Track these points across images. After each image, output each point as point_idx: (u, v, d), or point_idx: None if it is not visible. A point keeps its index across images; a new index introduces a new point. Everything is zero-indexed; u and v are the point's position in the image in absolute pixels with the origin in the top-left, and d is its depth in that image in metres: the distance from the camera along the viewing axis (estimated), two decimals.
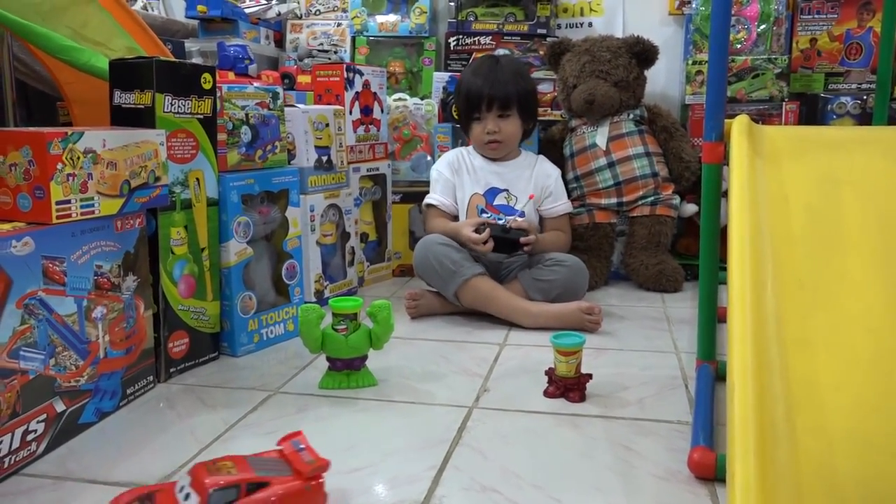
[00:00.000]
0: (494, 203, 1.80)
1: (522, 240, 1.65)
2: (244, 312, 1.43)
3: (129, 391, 1.19)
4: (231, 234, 1.40)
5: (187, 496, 0.79)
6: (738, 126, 1.11)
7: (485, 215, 1.76)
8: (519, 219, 1.71)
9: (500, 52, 2.32)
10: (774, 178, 1.02)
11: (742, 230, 0.92)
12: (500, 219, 1.73)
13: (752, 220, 0.94)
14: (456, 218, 1.81)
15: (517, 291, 1.64)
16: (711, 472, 0.92)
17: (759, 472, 0.67)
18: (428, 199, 1.83)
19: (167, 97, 1.25)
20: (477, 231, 1.65)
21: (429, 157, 2.16)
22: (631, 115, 2.03)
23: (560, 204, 1.84)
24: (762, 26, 2.14)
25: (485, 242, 1.63)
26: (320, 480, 0.84)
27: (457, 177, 1.83)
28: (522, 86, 1.79)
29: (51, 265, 1.01)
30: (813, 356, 0.80)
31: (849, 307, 0.84)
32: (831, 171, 1.02)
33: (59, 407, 1.04)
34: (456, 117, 1.94)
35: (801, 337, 0.81)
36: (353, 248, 1.91)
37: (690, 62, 2.16)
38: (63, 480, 0.95)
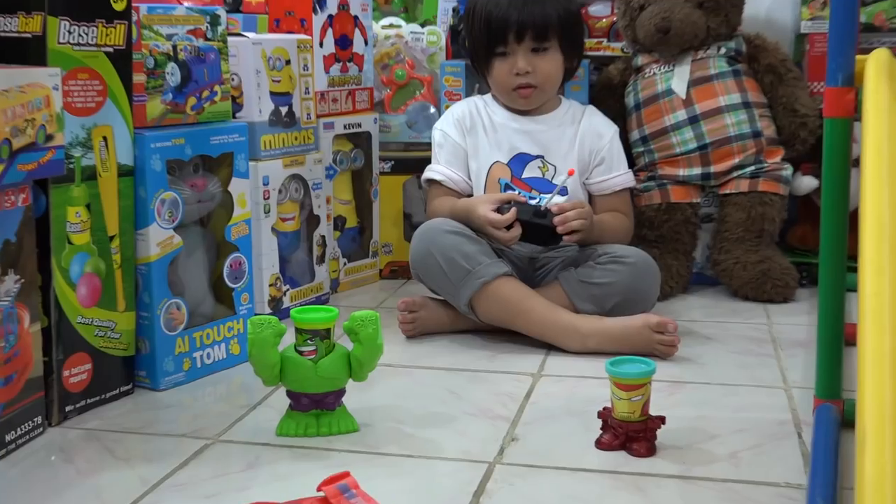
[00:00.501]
0: (524, 176, 1.81)
1: (560, 229, 1.63)
2: (170, 328, 1.44)
3: (8, 438, 1.20)
4: (152, 217, 1.41)
5: None
6: (876, 64, 1.11)
7: (511, 192, 1.77)
8: (560, 198, 1.72)
9: None
10: None
11: (881, 214, 0.92)
12: (533, 197, 1.74)
13: (893, 198, 0.94)
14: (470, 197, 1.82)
15: (558, 299, 1.66)
16: None
17: None
18: (428, 173, 1.85)
19: (63, 22, 1.26)
20: (499, 211, 1.66)
21: (432, 109, 2.18)
22: (723, 50, 2.03)
23: (618, 175, 1.85)
24: None
25: (510, 227, 1.64)
26: None
27: (469, 139, 1.84)
28: (564, 6, 1.80)
29: None
30: None
31: None
32: None
33: None
34: (469, 52, 1.94)
35: None
36: (323, 237, 1.92)
37: None
38: None
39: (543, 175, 1.81)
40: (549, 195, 1.72)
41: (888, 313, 0.84)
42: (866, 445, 0.75)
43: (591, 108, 1.92)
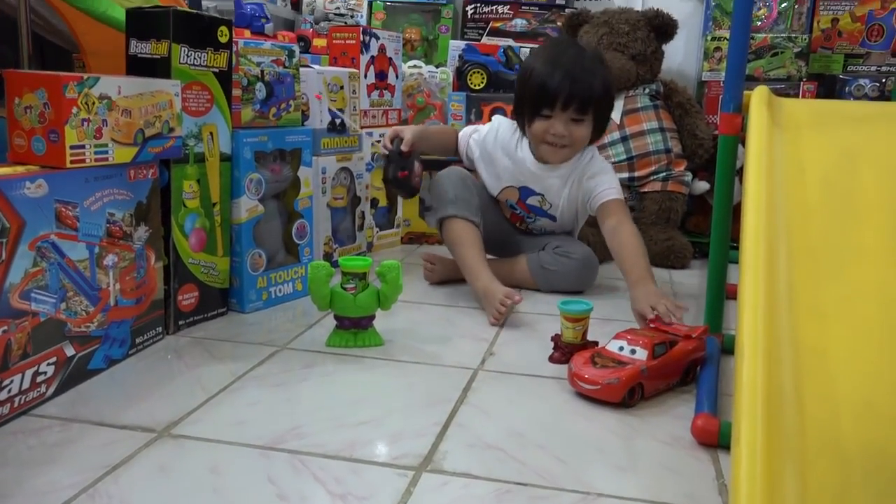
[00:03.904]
0: (527, 202, 1.66)
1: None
2: (254, 269, 1.43)
3: (138, 340, 1.19)
4: (243, 191, 1.39)
5: (633, 351, 1.08)
6: (758, 96, 1.09)
7: (514, 212, 1.69)
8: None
9: (518, 22, 2.29)
10: (792, 149, 1.01)
11: (758, 198, 0.91)
12: (529, 218, 1.66)
13: (768, 189, 0.93)
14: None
15: (522, 271, 1.62)
16: (714, 439, 0.91)
17: (766, 435, 0.66)
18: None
19: (183, 48, 1.24)
20: (392, 142, 1.56)
21: None
22: (647, 90, 2.01)
23: (606, 188, 1.56)
24: (783, 4, 2.11)
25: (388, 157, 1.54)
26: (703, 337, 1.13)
27: (501, 151, 1.63)
28: (605, 85, 1.51)
29: (64, 209, 1.00)
30: (824, 326, 0.79)
31: (862, 279, 0.83)
32: (850, 144, 1.01)
33: (69, 351, 1.04)
34: (515, 104, 1.61)
35: (812, 306, 0.81)
36: (363, 212, 1.90)
37: (709, 38, 2.12)
38: (71, 422, 0.95)
39: (541, 206, 1.66)
40: (543, 219, 1.66)
41: (761, 267, 0.83)
42: (743, 356, 0.74)
43: (594, 157, 1.62)
